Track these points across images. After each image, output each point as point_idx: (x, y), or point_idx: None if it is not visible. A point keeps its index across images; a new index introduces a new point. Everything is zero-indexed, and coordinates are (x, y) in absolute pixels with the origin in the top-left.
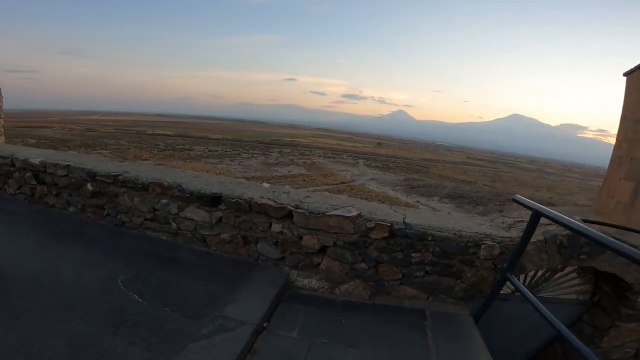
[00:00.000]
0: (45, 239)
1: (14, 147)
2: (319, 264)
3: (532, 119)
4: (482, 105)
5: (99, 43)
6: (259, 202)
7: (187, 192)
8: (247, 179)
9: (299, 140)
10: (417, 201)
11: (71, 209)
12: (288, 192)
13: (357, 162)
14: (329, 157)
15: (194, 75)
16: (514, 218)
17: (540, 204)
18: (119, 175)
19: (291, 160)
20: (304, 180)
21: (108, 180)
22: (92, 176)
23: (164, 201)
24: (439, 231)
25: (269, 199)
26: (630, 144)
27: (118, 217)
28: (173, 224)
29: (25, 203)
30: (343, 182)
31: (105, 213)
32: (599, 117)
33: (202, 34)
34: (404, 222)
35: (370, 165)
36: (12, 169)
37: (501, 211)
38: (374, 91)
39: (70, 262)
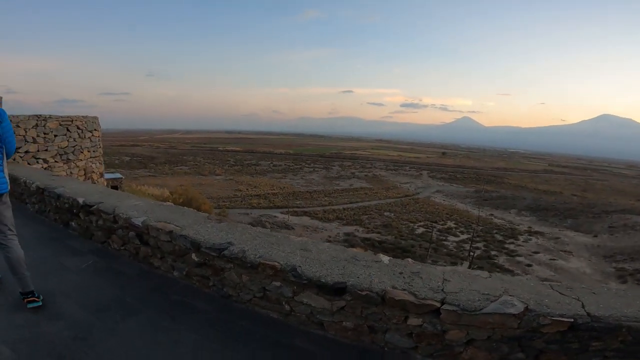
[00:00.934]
0: (157, 316)
1: (117, 196)
2: (461, 352)
3: (626, 118)
4: (563, 107)
5: (178, 65)
6: (396, 298)
7: (305, 278)
8: (310, 192)
9: (359, 153)
10: (491, 214)
11: (176, 273)
12: (418, 271)
13: (421, 174)
14: (391, 170)
15: (258, 92)
16: None
17: (638, 215)
18: (223, 249)
19: (352, 173)
20: (366, 193)
21: (213, 254)
22: (197, 247)
23: (277, 284)
24: (635, 321)
25: (404, 290)
26: None
27: (224, 289)
28: (286, 306)
29: (130, 261)
30: (407, 195)
31: (210, 283)
32: None
33: (259, 50)
34: (589, 314)
35: (435, 177)
36: (114, 225)
37: (612, 227)
38: (435, 99)
39: (189, 349)
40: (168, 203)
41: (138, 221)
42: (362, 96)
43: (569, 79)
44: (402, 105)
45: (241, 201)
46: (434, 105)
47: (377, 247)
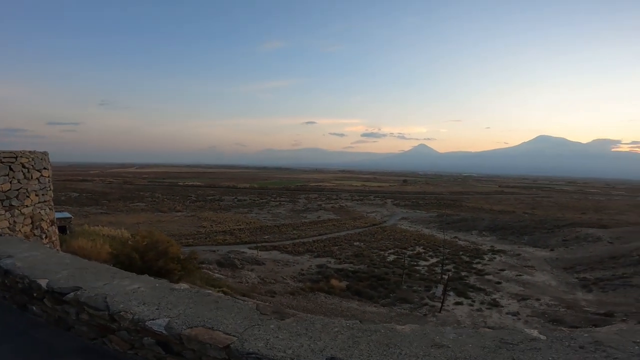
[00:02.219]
0: None
1: (96, 272)
2: None
3: (561, 138)
4: (506, 130)
5: (134, 95)
6: None
7: None
8: (278, 226)
9: (324, 185)
10: (455, 237)
11: None
12: None
13: (385, 202)
14: (356, 200)
15: (220, 124)
16: None
17: (587, 227)
18: None
19: (319, 205)
20: (334, 225)
21: None
22: None
23: None
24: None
25: None
26: None
27: None
28: None
29: None
30: (374, 224)
31: None
32: (632, 128)
33: (221, 80)
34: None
35: (399, 204)
36: (112, 325)
37: (566, 240)
38: (393, 127)
39: None
40: (182, 285)
41: (159, 327)
42: (325, 126)
43: (510, 104)
44: (363, 135)
45: (205, 238)
46: (392, 133)
47: (351, 277)
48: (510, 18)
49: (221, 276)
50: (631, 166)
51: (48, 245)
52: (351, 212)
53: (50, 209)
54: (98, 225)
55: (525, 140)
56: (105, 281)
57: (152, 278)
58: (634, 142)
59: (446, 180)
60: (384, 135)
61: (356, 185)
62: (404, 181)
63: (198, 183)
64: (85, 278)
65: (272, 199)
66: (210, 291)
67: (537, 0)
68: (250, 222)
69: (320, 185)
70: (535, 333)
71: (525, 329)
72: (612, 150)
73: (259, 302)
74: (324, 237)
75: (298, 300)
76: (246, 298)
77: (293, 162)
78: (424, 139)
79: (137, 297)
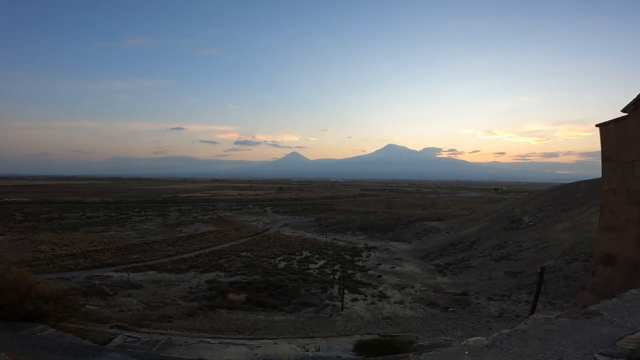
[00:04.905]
0: None
1: None
2: None
3: (403, 147)
4: (363, 139)
5: None
6: None
7: None
8: (148, 243)
9: (198, 195)
10: (334, 238)
11: None
12: None
13: (265, 210)
14: (235, 210)
15: (52, 126)
16: None
17: (429, 221)
18: None
19: (195, 217)
20: (216, 237)
21: None
22: None
23: None
24: None
25: None
26: (620, 180)
27: None
28: None
29: None
30: (257, 233)
31: None
32: (448, 139)
33: (62, 77)
34: None
35: (279, 212)
36: None
37: (418, 233)
38: (267, 135)
39: None
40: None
41: None
42: (195, 134)
43: (366, 115)
44: (237, 143)
45: (48, 264)
46: (266, 142)
47: (248, 288)
48: (368, 41)
49: (93, 307)
50: (450, 169)
51: None
52: (232, 222)
53: None
54: None
55: (378, 149)
56: None
57: None
58: (450, 150)
59: (317, 186)
60: (258, 143)
61: (233, 195)
62: (280, 188)
63: (24, 199)
64: None
65: (136, 214)
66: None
67: (389, 25)
68: (110, 242)
69: (193, 196)
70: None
71: None
72: (437, 156)
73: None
74: (207, 250)
75: (200, 321)
76: (146, 329)
77: (157, 172)
78: (296, 147)
79: None
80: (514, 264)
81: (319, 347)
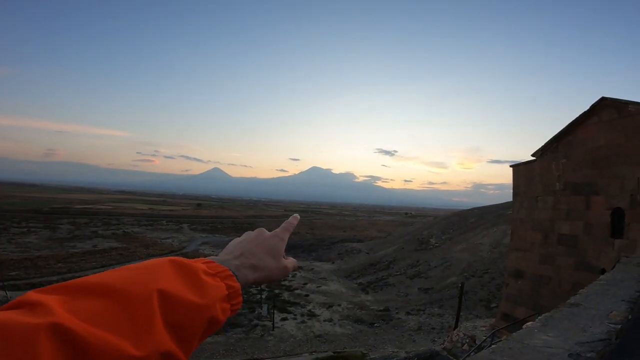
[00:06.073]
0: None
1: None
2: None
3: (327, 169)
4: (287, 160)
5: None
6: None
7: None
8: (31, 259)
9: (98, 207)
10: None
11: None
12: None
13: (182, 227)
14: (145, 225)
15: None
16: None
17: (350, 242)
18: None
19: (94, 232)
20: (121, 254)
21: None
22: None
23: None
24: None
25: None
26: (526, 211)
27: None
28: None
29: None
30: (172, 251)
31: None
32: (360, 165)
33: None
34: None
35: (197, 229)
36: None
37: (340, 254)
38: (185, 147)
39: None
40: None
41: None
42: (95, 137)
43: (292, 135)
44: (148, 152)
45: None
46: (185, 156)
47: None
48: (305, 63)
49: None
50: (366, 193)
51: None
52: (141, 239)
53: None
54: None
55: (303, 170)
56: None
57: None
58: (366, 175)
59: (239, 204)
60: (172, 157)
61: (142, 209)
62: (198, 205)
63: None
64: None
65: (15, 225)
66: None
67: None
68: None
69: (91, 208)
70: None
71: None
72: (354, 181)
73: None
74: (109, 268)
75: None
76: None
77: (45, 178)
78: (218, 162)
79: None
80: (425, 281)
81: None
